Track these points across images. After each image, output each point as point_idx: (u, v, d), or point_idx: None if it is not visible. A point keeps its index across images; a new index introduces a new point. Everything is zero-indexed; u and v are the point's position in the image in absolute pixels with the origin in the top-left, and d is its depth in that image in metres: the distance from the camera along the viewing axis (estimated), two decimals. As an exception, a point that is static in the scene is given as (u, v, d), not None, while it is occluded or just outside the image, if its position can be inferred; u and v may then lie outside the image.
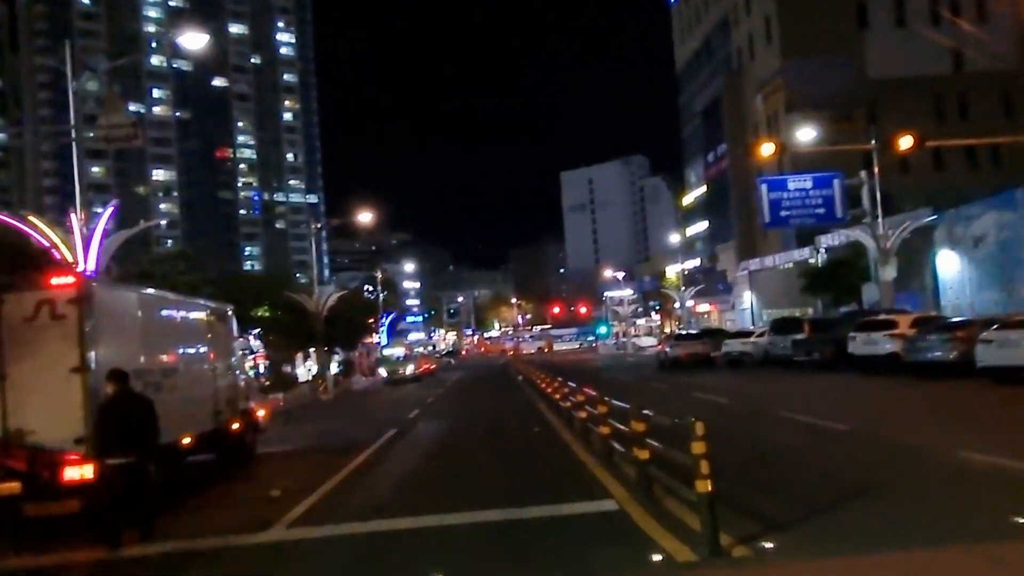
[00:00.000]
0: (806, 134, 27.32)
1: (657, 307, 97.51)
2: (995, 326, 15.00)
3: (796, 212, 28.55)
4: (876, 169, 28.23)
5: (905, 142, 17.81)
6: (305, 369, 44.15)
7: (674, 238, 68.73)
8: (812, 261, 47.66)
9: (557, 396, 15.80)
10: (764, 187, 28.67)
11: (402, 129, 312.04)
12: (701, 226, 79.97)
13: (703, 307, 70.14)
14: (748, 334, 28.44)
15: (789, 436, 11.04)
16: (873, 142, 28.90)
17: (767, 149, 18.70)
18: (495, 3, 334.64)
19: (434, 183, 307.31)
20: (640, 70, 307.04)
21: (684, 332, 34.60)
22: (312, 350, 40.15)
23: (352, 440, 14.62)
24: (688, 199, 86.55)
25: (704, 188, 77.80)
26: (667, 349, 31.31)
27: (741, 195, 66.99)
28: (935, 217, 29.72)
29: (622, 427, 8.45)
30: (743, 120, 67.44)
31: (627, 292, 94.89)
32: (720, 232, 72.85)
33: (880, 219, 27.96)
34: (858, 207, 30.06)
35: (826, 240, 43.65)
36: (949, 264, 31.70)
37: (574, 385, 13.29)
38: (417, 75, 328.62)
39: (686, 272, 74.58)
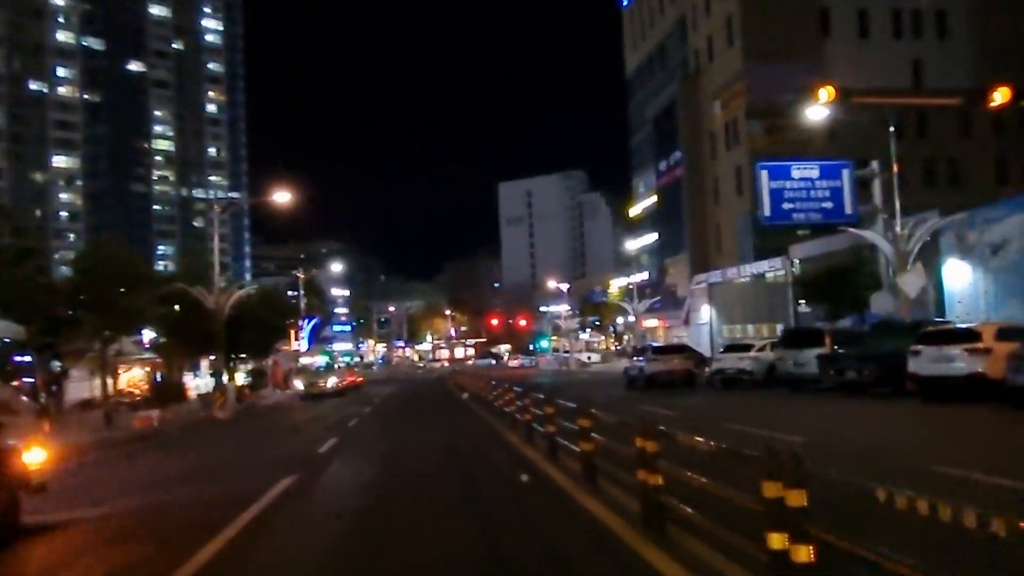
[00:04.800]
0: (817, 112, 22.86)
1: (597, 322, 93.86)
2: None
3: (800, 206, 24.22)
4: (895, 163, 24.18)
5: (1000, 95, 13.17)
6: (201, 379, 37.16)
7: (630, 245, 64.58)
8: (776, 275, 44.06)
9: (527, 417, 11.06)
10: (764, 174, 24.21)
11: (335, 132, 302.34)
12: (649, 238, 76.38)
13: (650, 322, 66.14)
14: (746, 348, 23.75)
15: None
16: (892, 128, 24.91)
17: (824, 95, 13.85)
18: (438, 6, 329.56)
19: (368, 190, 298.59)
20: (582, 83, 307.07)
21: (660, 345, 29.85)
22: (213, 357, 33.41)
23: (217, 499, 8.78)
24: (635, 210, 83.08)
25: (654, 198, 74.31)
26: (640, 364, 26.33)
27: (696, 204, 63.66)
28: (962, 215, 25.77)
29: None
30: (698, 127, 64.28)
31: (564, 307, 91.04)
32: (670, 244, 69.35)
33: (898, 217, 23.90)
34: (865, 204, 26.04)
35: (799, 251, 40.00)
36: (959, 274, 27.88)
37: (572, 407, 8.27)
38: (353, 77, 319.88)
39: (631, 286, 70.77)
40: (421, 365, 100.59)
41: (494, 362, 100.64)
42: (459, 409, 22.72)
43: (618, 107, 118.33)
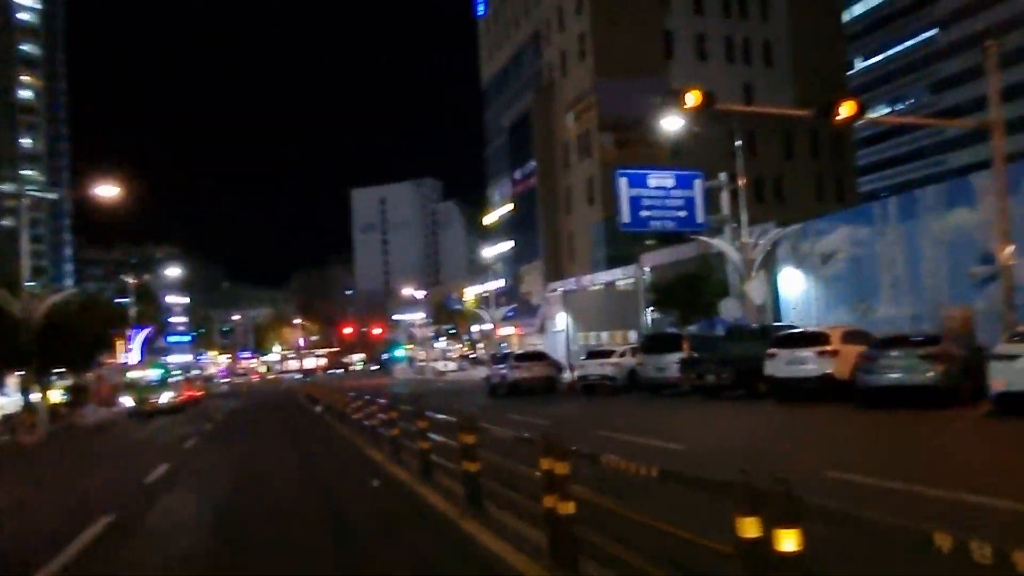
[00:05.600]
0: (673, 123, 23.59)
1: (452, 330, 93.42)
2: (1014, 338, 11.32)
3: (656, 213, 24.84)
4: (741, 176, 25.44)
5: (846, 109, 13.97)
6: (7, 398, 32.52)
7: (485, 253, 64.52)
8: (627, 283, 45.50)
9: (395, 432, 10.06)
10: (623, 181, 24.60)
11: (175, 129, 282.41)
12: (504, 247, 76.94)
13: (506, 330, 66.51)
14: (608, 354, 24.00)
15: None
16: (738, 143, 26.25)
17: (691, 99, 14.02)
18: (289, 6, 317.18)
19: (210, 192, 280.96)
20: (438, 90, 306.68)
21: (521, 352, 29.69)
22: (22, 372, 29.24)
23: (3, 555, 6.96)
24: (491, 218, 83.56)
25: (509, 207, 75.03)
26: (503, 372, 25.96)
27: (549, 213, 64.82)
28: (797, 227, 27.54)
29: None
30: (552, 137, 65.60)
31: (419, 315, 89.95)
32: (525, 252, 70.18)
33: (744, 227, 25.10)
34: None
35: (649, 259, 41.51)
36: (793, 282, 29.83)
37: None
38: (197, 72, 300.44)
39: (487, 294, 70.98)
40: (225, 381, 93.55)
41: (301, 376, 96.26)
42: (314, 424, 21.16)
43: (474, 116, 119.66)
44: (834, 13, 68.42)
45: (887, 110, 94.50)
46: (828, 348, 15.08)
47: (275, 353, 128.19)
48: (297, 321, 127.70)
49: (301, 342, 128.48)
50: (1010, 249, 16.28)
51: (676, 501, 4.00)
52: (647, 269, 40.62)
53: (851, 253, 27.20)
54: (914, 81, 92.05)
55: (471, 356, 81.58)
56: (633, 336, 42.30)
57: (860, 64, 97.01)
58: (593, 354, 25.03)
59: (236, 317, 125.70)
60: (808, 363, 15.15)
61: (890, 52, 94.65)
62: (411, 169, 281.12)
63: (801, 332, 16.68)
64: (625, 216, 24.57)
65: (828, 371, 14.86)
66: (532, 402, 22.00)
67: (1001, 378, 10.81)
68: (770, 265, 30.14)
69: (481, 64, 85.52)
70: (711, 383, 17.98)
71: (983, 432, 10.45)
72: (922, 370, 12.57)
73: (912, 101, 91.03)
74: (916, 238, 24.23)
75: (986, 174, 22.04)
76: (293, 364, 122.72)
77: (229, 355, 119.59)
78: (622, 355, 23.29)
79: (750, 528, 2.46)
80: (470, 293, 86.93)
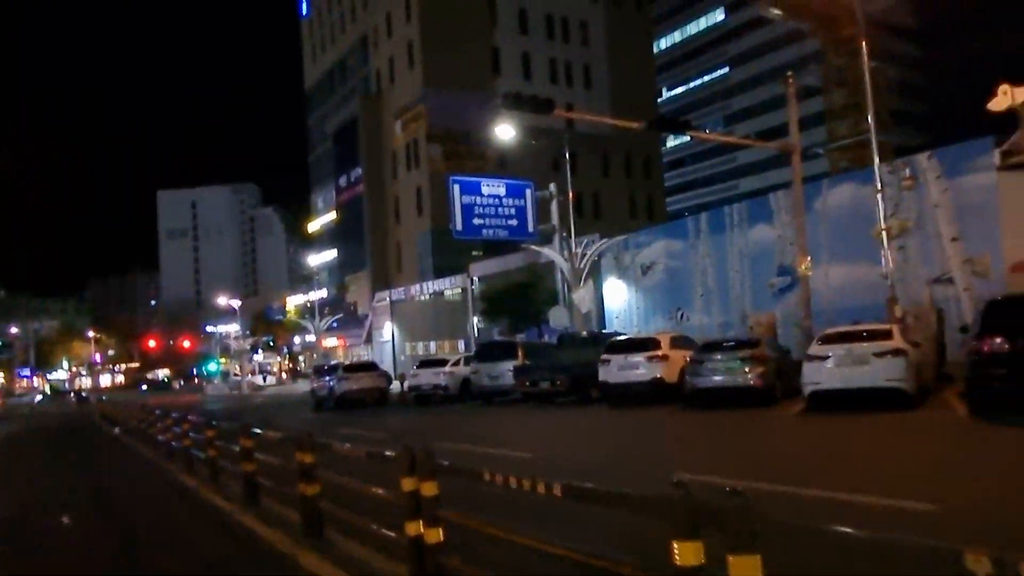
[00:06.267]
0: (506, 131, 23.82)
1: (270, 342, 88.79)
2: (819, 341, 12.24)
3: (489, 222, 24.94)
4: (570, 190, 26.17)
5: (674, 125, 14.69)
6: None
7: (309, 261, 61.83)
8: (455, 292, 45.57)
9: (212, 454, 9.03)
10: (456, 188, 24.43)
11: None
12: (328, 255, 74.32)
13: (330, 341, 64.18)
14: (441, 363, 23.51)
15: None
16: (567, 154, 26.99)
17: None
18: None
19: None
20: (258, 92, 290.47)
21: (350, 363, 28.35)
22: None
23: None
24: (314, 226, 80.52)
25: (334, 215, 72.71)
26: (330, 384, 24.65)
27: (376, 222, 63.54)
28: (620, 239, 28.75)
29: None
30: (380, 145, 64.45)
31: (234, 326, 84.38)
32: (351, 261, 68.29)
33: (573, 237, 25.81)
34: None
35: (478, 269, 41.81)
36: (616, 291, 31.19)
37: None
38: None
39: (310, 304, 68.14)
40: None
41: (40, 397, 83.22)
42: (111, 449, 18.70)
43: (297, 121, 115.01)
44: (647, 44, 73.47)
45: (687, 138, 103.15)
46: (659, 353, 15.68)
47: (63, 370, 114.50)
48: (91, 334, 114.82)
49: (97, 357, 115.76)
50: (807, 261, 17.87)
51: (564, 522, 3.58)
52: (476, 279, 40.77)
53: (668, 264, 28.90)
54: (710, 113, 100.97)
55: (291, 369, 77.86)
56: (462, 346, 42.29)
57: (666, 94, 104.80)
58: (426, 363, 24.48)
59: (14, 330, 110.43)
60: (639, 368, 15.64)
61: (690, 85, 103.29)
62: (227, 174, 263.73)
63: (632, 339, 17.27)
64: (458, 224, 24.38)
65: (658, 375, 15.43)
66: (363, 415, 21.01)
67: (818, 378, 11.67)
68: (595, 275, 31.31)
69: (304, 67, 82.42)
70: (545, 390, 18.09)
71: (805, 428, 11.17)
72: (743, 372, 13.34)
73: (708, 131, 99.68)
74: (724, 251, 26.21)
75: (782, 194, 24.28)
76: (86, 382, 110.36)
77: (4, 373, 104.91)
78: (456, 364, 22.98)
79: (690, 554, 2.05)
80: (292, 303, 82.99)
